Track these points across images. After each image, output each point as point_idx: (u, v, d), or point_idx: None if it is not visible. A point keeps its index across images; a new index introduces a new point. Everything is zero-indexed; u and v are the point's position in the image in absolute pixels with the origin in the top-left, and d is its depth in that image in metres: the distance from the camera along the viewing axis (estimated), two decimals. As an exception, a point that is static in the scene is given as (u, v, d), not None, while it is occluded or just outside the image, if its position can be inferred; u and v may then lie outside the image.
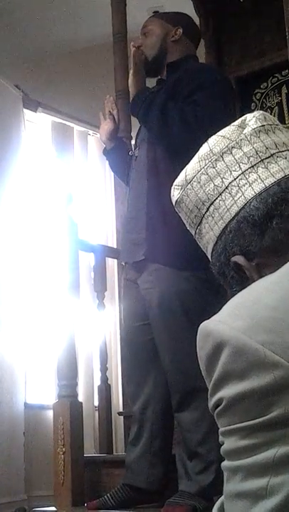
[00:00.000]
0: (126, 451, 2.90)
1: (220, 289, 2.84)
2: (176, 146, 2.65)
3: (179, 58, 2.94)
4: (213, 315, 2.97)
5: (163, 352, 2.69)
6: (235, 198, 1.02)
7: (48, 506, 3.16)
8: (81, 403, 3.14)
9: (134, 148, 2.97)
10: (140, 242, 2.74)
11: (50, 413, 3.37)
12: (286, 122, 4.25)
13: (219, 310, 2.83)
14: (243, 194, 1.01)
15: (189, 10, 4.70)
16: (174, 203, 1.12)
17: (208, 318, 2.87)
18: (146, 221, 2.73)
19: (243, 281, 1.01)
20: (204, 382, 2.76)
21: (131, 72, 2.87)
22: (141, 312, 2.78)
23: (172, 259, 2.66)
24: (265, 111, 4.24)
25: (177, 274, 2.65)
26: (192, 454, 2.61)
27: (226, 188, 1.03)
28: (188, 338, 2.58)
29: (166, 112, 2.69)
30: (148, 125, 2.80)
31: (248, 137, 1.04)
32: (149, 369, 2.78)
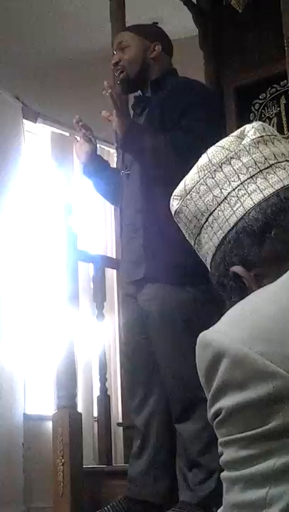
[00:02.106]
0: (129, 464, 2.88)
1: (219, 300, 2.84)
2: (170, 177, 2.63)
3: (161, 75, 2.87)
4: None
5: (164, 363, 2.69)
6: (234, 209, 1.02)
7: (47, 517, 3.15)
8: (80, 414, 3.13)
9: (126, 168, 2.88)
10: (139, 261, 2.73)
11: (49, 424, 3.36)
12: (285, 133, 4.25)
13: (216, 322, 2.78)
14: (242, 204, 1.02)
15: (188, 21, 4.73)
16: (172, 213, 1.12)
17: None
18: (143, 240, 2.72)
19: (242, 291, 1.02)
20: (205, 393, 2.73)
21: (114, 114, 2.68)
22: (140, 326, 2.78)
23: (172, 276, 2.66)
24: (264, 121, 4.26)
25: (176, 289, 2.66)
26: (193, 464, 2.60)
27: (225, 198, 1.03)
28: (189, 349, 2.58)
29: (158, 147, 2.65)
30: (142, 161, 2.75)
31: (247, 148, 1.04)
32: (152, 382, 2.78)
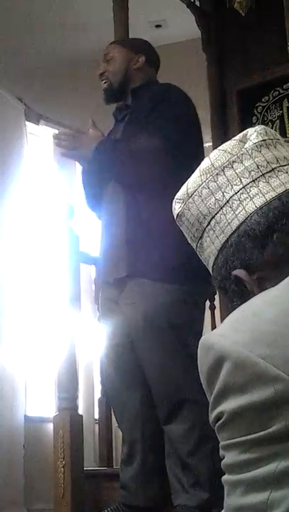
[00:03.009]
0: (120, 471, 2.88)
1: (202, 305, 2.85)
2: (148, 178, 2.68)
3: (142, 84, 2.95)
4: (196, 329, 2.99)
5: (149, 366, 2.68)
6: (236, 212, 1.02)
7: (47, 519, 3.14)
8: (81, 416, 3.13)
9: None
10: (121, 258, 2.72)
11: (50, 426, 3.36)
12: (287, 136, 4.26)
13: (201, 324, 2.84)
14: (244, 208, 1.02)
15: (191, 23, 4.74)
16: (175, 217, 1.12)
17: (192, 331, 2.88)
18: (126, 238, 2.71)
19: (243, 294, 1.02)
20: (191, 393, 2.76)
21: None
22: (121, 331, 2.76)
23: (155, 272, 2.64)
24: (266, 124, 4.26)
25: (160, 287, 2.63)
26: (183, 465, 2.60)
27: (227, 201, 1.03)
28: (174, 350, 2.61)
29: (121, 159, 2.71)
30: (114, 176, 2.80)
31: (250, 151, 1.05)
32: (135, 388, 2.77)
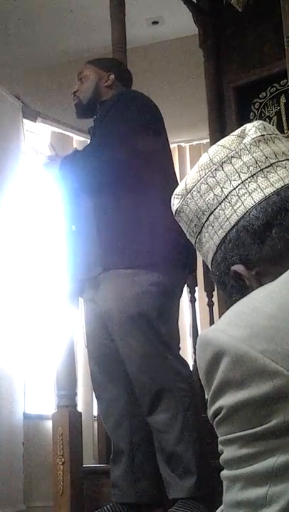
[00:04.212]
0: (110, 470, 2.89)
1: (173, 292, 2.93)
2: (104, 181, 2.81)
3: (109, 98, 3.09)
4: (167, 317, 3.01)
5: (128, 357, 2.73)
6: (235, 208, 1.02)
7: (47, 517, 3.14)
8: (80, 413, 3.13)
9: None
10: (96, 256, 2.82)
11: (49, 423, 3.36)
12: (285, 131, 4.26)
13: (173, 312, 2.86)
14: (242, 203, 1.02)
15: (188, 20, 4.74)
16: (173, 213, 1.12)
17: (164, 318, 2.90)
18: (98, 237, 2.81)
19: (242, 290, 1.02)
20: (171, 382, 2.78)
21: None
22: (102, 329, 2.84)
23: (125, 260, 2.73)
24: (264, 120, 4.24)
25: (131, 279, 2.71)
26: (170, 455, 2.62)
27: (226, 197, 1.03)
28: (147, 339, 2.65)
29: (76, 166, 2.89)
30: (77, 185, 2.95)
31: (248, 147, 1.05)
32: (120, 386, 2.82)
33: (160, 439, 2.66)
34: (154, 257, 2.70)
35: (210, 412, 0.86)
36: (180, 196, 1.09)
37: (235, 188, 1.03)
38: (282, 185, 1.01)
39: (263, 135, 1.06)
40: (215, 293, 3.95)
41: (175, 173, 2.95)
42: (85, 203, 2.93)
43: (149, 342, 2.67)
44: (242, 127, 1.08)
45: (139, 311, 2.68)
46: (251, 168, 1.03)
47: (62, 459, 2.98)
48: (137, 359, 2.69)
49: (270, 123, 4.19)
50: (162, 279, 2.72)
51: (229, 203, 1.03)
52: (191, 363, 3.17)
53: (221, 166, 1.05)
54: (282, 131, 4.22)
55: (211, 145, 1.09)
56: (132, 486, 2.78)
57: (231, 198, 1.03)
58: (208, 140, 4.82)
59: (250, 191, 1.02)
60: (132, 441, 2.80)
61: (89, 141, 3.22)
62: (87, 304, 2.96)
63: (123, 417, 2.82)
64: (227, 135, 1.09)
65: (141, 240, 2.70)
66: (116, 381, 2.83)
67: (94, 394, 3.23)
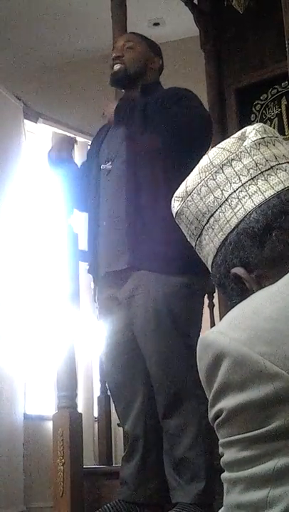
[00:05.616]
0: (120, 467, 2.89)
1: (202, 297, 2.87)
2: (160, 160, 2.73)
3: (153, 82, 3.03)
4: (197, 320, 2.99)
5: (149, 357, 2.69)
6: (235, 210, 1.02)
7: (47, 518, 3.14)
8: (81, 414, 3.12)
9: (106, 162, 2.94)
10: (122, 251, 2.74)
11: (49, 424, 3.36)
12: (286, 134, 4.26)
13: (200, 316, 2.84)
14: (242, 206, 1.02)
15: (189, 21, 4.74)
16: (174, 215, 1.12)
17: (191, 322, 2.89)
18: (126, 231, 2.74)
19: (242, 292, 1.02)
20: (191, 387, 2.76)
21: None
22: (122, 328, 2.78)
23: (154, 263, 2.68)
24: (265, 122, 4.25)
25: (162, 279, 2.66)
26: (179, 460, 2.61)
27: (226, 200, 1.04)
28: (174, 342, 2.62)
29: (153, 115, 2.75)
30: (140, 123, 2.80)
31: (248, 149, 1.05)
32: (138, 385, 2.78)
33: (172, 443, 2.65)
34: (186, 265, 2.59)
35: (210, 414, 0.86)
36: (180, 198, 1.09)
37: (235, 191, 1.03)
38: (283, 188, 1.01)
39: (264, 138, 1.06)
40: (216, 295, 3.95)
41: None
42: (112, 194, 2.85)
43: (174, 342, 2.63)
44: (242, 130, 1.08)
45: (169, 311, 2.64)
46: (251, 171, 1.03)
47: (63, 460, 2.98)
48: (159, 357, 2.64)
49: (271, 125, 4.20)
50: (192, 283, 2.68)
51: (229, 205, 1.03)
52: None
53: (222, 169, 1.05)
54: (283, 133, 4.22)
55: (212, 147, 1.09)
56: (141, 485, 2.77)
57: (231, 201, 1.03)
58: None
59: (250, 194, 1.02)
60: (146, 442, 2.78)
61: (90, 141, 3.18)
62: (106, 302, 2.88)
63: (140, 417, 2.79)
64: (228, 137, 1.09)
65: (173, 246, 2.55)
66: (134, 382, 2.79)
67: (111, 399, 3.16)
